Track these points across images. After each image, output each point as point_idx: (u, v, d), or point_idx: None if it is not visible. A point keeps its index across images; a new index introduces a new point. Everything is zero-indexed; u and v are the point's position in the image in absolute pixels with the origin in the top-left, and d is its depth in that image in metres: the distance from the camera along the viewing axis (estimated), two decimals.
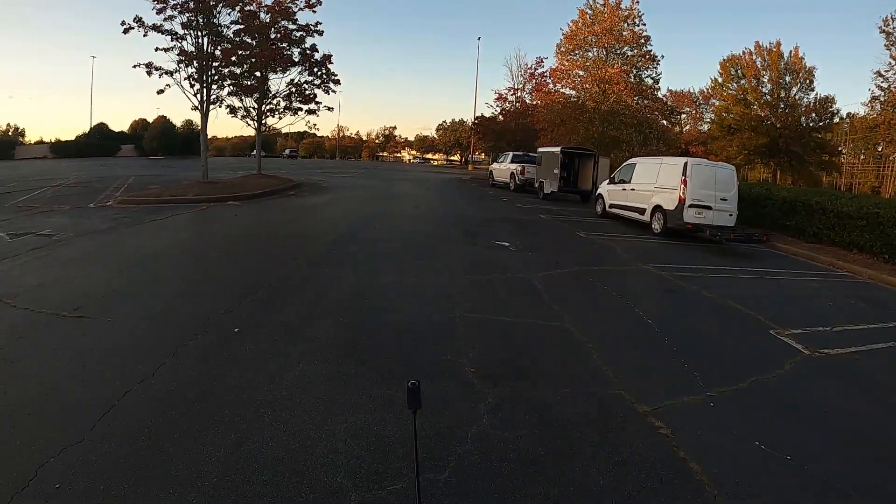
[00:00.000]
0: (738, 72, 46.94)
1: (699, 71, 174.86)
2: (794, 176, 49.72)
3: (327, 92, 29.24)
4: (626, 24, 35.30)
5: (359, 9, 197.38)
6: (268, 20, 26.69)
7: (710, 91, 52.88)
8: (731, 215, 16.22)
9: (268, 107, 28.36)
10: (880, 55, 33.49)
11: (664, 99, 37.02)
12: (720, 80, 49.10)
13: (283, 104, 28.69)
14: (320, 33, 28.25)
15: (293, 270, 9.32)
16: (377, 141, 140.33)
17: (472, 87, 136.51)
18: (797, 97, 45.42)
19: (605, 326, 7.38)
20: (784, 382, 5.88)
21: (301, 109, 29.09)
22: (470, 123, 64.15)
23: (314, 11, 28.05)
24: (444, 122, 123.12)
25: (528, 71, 45.55)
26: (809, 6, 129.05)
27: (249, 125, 28.43)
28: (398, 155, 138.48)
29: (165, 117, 72.90)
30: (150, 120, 75.85)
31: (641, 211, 17.49)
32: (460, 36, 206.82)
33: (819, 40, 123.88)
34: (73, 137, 69.54)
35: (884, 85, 33.34)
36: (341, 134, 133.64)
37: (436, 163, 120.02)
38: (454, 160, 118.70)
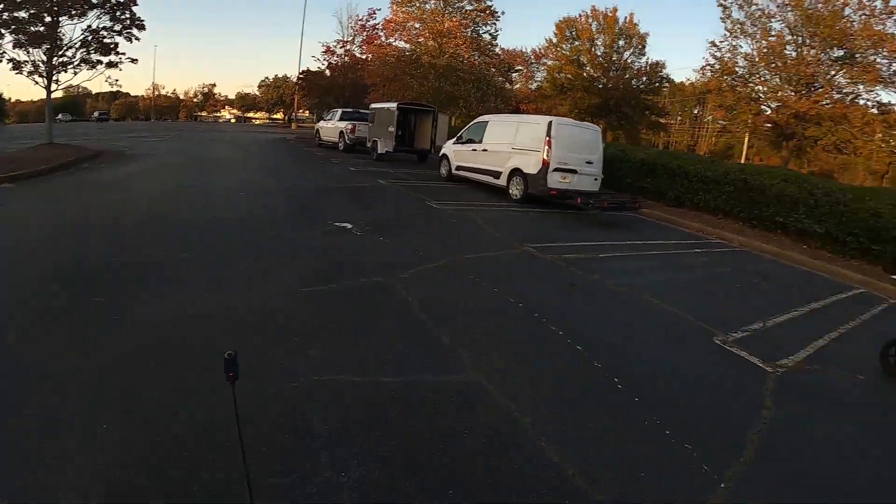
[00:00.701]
0: (574, 33, 47.22)
1: (532, 32, 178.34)
2: (620, 133, 51.50)
3: (129, 39, 24.23)
4: None
5: None
6: None
7: (542, 51, 53.01)
8: (595, 179, 14.74)
9: (60, 60, 22.81)
10: (717, 27, 34.72)
11: (501, 56, 35.05)
12: (555, 40, 49.09)
13: (78, 56, 23.26)
14: None
15: (31, 310, 5.33)
16: (195, 100, 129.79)
17: (298, 42, 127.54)
18: (629, 61, 46.48)
19: (526, 369, 4.91)
20: (786, 436, 4.31)
21: (101, 62, 23.77)
22: (294, 79, 59.32)
23: None
24: (267, 78, 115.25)
25: (360, 23, 41.71)
26: None
27: (38, 83, 22.78)
28: (218, 115, 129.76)
29: None
30: None
31: (496, 174, 15.31)
32: None
33: (652, 7, 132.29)
34: None
35: (717, 54, 34.32)
36: (156, 93, 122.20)
37: (258, 122, 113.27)
38: (277, 119, 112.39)
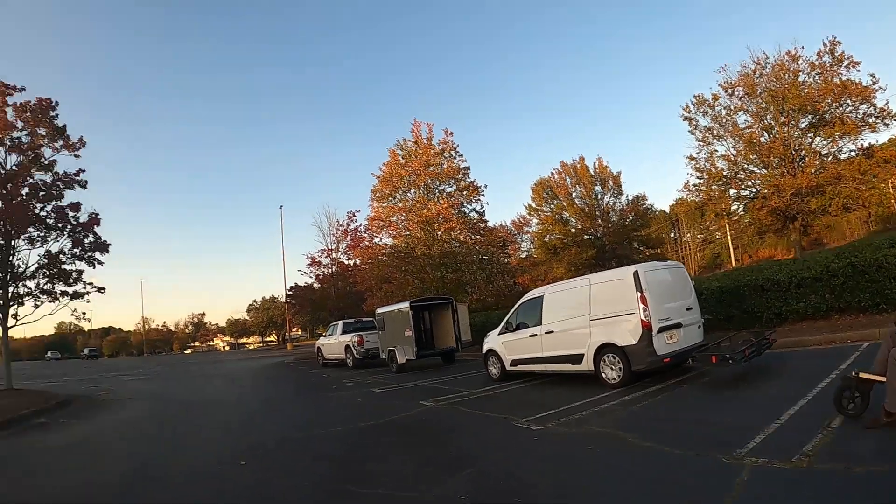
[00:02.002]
0: (550, 192, 45.80)
1: (501, 205, 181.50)
2: None
3: (92, 264, 21.15)
4: (444, 157, 29.99)
5: (142, 194, 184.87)
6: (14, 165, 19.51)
7: (521, 220, 51.70)
8: (699, 327, 11.28)
9: (16, 288, 19.66)
10: (688, 141, 33.56)
11: (495, 230, 31.67)
12: (534, 204, 47.60)
13: (36, 285, 20.12)
14: (83, 185, 20.95)
15: None
16: (187, 331, 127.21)
17: (281, 258, 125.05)
18: (611, 203, 45.20)
19: None
20: None
21: (65, 293, 20.58)
22: (282, 298, 56.04)
23: (77, 155, 20.70)
24: (255, 301, 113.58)
25: (341, 228, 39.32)
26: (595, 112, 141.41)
27: None
28: (211, 343, 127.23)
29: None
30: None
31: (575, 359, 11.40)
32: (263, 208, 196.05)
33: (616, 145, 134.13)
34: None
35: (699, 166, 32.11)
36: (147, 326, 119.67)
37: (252, 347, 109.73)
38: (271, 342, 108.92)
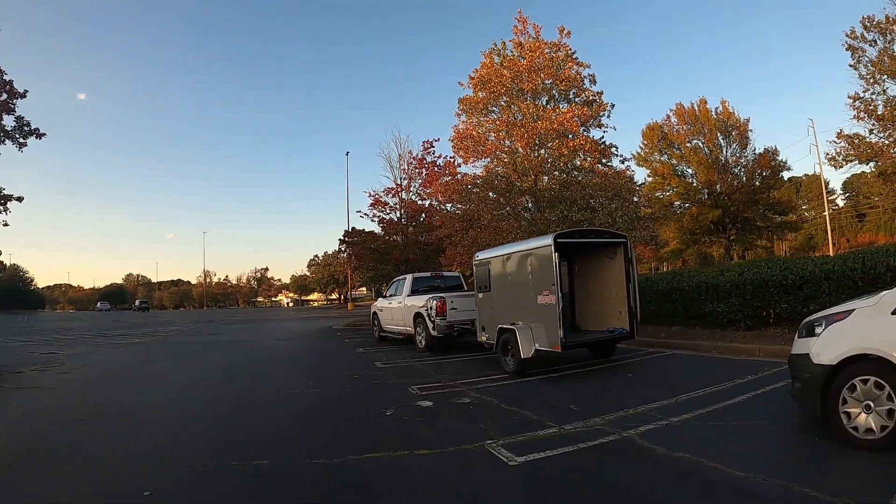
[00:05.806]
0: (665, 139, 36.24)
1: None
2: (743, 248, 39.04)
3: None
4: (558, 64, 19.22)
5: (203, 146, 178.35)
6: None
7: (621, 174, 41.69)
8: None
9: None
10: (851, 79, 25.28)
11: (625, 161, 20.69)
12: (643, 153, 37.55)
13: None
14: None
15: None
16: (250, 285, 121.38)
17: (345, 212, 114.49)
18: (737, 156, 35.36)
19: None
20: None
21: None
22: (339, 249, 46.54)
23: None
24: (317, 256, 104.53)
25: (415, 160, 28.27)
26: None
27: None
28: (275, 299, 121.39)
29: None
30: None
31: None
32: (329, 155, 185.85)
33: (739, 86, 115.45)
34: None
35: (871, 107, 24.07)
36: (208, 280, 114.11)
37: (315, 304, 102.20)
38: (334, 300, 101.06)
